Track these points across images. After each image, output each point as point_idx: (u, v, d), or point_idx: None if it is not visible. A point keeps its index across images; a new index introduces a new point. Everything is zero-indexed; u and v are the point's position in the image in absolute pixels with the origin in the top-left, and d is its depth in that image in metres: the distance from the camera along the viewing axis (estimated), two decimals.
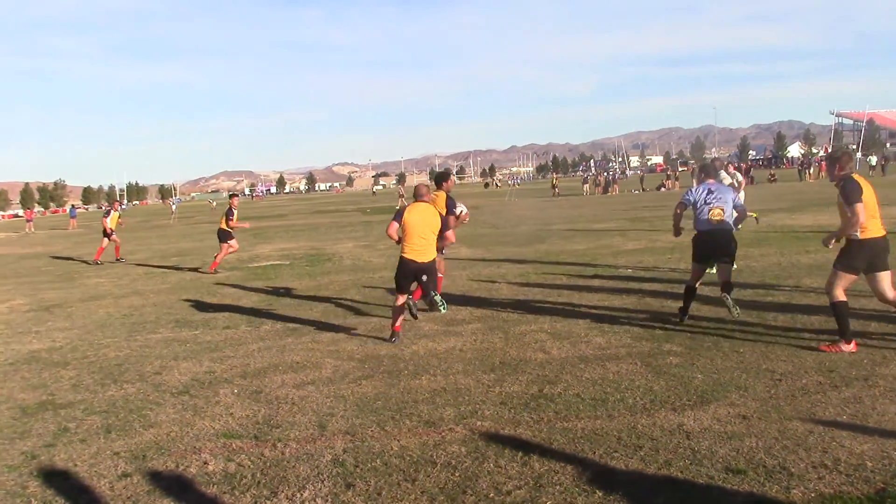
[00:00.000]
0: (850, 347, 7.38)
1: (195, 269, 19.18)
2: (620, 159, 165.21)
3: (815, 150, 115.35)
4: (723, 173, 13.71)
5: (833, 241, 7.64)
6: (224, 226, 18.75)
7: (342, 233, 30.07)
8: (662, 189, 58.88)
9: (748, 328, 8.67)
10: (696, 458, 5.01)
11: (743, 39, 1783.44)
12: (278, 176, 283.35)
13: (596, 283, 12.75)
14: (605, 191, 61.09)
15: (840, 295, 7.41)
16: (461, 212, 10.84)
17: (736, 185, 14.06)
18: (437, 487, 4.82)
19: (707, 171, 10.20)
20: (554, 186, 67.03)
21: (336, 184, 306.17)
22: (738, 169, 20.52)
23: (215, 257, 18.74)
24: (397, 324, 9.14)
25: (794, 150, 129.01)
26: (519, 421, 6.00)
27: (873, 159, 76.22)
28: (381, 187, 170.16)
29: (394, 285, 9.38)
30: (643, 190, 60.78)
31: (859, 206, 7.18)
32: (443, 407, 6.45)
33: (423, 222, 9.07)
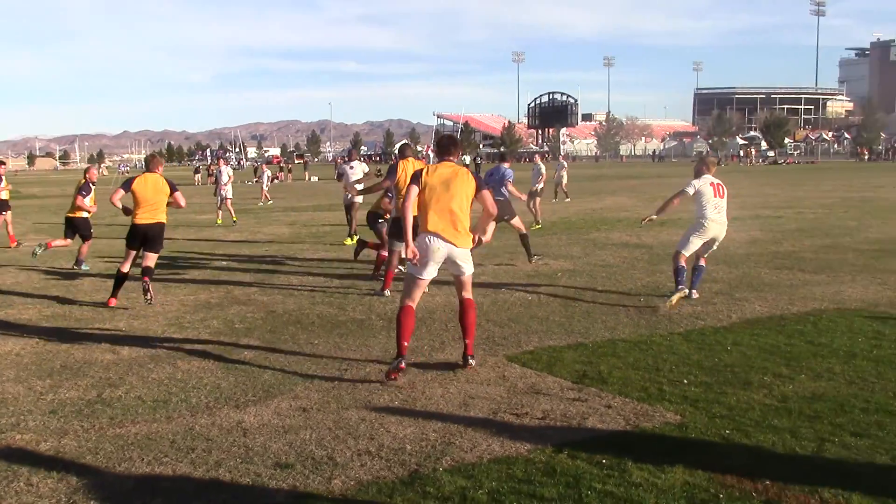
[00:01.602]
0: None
1: None
2: (238, 150, 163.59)
3: (419, 149, 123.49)
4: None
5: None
6: None
7: None
8: (276, 181, 59.13)
9: (326, 319, 8.88)
10: (248, 456, 4.92)
11: (357, 39, 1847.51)
12: None
13: (186, 277, 12.31)
14: (217, 181, 59.82)
15: None
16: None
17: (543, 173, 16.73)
18: None
19: (503, 157, 13.80)
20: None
21: None
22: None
23: None
24: None
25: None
26: (67, 430, 5.49)
27: (467, 158, 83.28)
28: None
29: None
30: (256, 181, 60.48)
31: None
32: None
33: None
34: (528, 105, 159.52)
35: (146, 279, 9.69)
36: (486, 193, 6.84)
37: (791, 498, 4.13)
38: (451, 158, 6.97)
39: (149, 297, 9.64)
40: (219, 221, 22.71)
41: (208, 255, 14.99)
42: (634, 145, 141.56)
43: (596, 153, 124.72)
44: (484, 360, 7.06)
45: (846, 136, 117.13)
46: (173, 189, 10.13)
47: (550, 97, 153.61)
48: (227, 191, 23.47)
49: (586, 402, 5.83)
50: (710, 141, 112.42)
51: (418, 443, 5.08)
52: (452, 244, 6.63)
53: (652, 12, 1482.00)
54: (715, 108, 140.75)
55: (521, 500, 4.19)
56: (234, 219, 22.85)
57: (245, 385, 6.47)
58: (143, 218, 9.96)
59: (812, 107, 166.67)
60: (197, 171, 63.90)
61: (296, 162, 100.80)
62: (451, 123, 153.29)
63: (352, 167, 15.99)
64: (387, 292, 10.23)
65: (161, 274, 11.36)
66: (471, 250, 6.83)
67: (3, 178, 17.37)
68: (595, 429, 5.28)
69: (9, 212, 17.47)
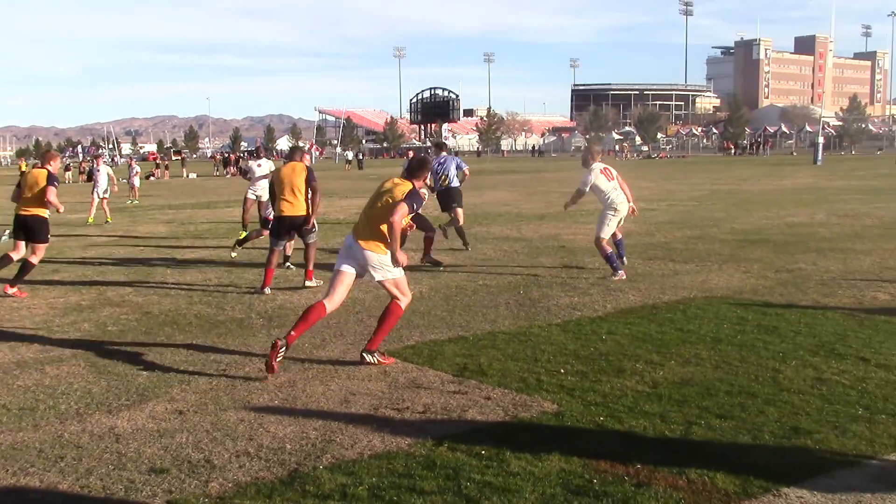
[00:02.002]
0: None
1: None
2: (111, 146, 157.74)
3: (301, 144, 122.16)
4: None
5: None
6: None
7: None
8: (152, 178, 57.39)
9: (204, 319, 8.69)
10: (121, 463, 4.77)
11: (237, 33, 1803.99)
12: None
13: (56, 278, 11.80)
14: (89, 178, 57.65)
15: None
16: None
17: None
18: None
19: (440, 147, 14.19)
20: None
21: None
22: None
23: None
24: None
25: (283, 143, 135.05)
26: None
27: (350, 154, 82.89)
28: None
29: None
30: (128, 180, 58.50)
31: None
32: None
33: None
34: (410, 100, 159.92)
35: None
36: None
37: (660, 479, 4.30)
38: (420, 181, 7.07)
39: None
40: (90, 220, 21.86)
41: (80, 256, 14.41)
42: (515, 140, 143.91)
43: (478, 148, 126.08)
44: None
45: (714, 131, 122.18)
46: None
47: (432, 92, 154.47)
48: (102, 189, 22.67)
49: (466, 394, 5.91)
50: (587, 136, 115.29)
51: (298, 441, 5.03)
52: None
53: (531, 9, 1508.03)
54: (591, 103, 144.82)
55: (402, 495, 4.22)
56: (108, 219, 22.03)
57: (118, 389, 6.26)
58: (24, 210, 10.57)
59: (682, 103, 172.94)
60: (67, 168, 61.27)
61: (173, 158, 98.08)
62: (334, 119, 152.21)
63: (259, 164, 15.99)
64: (267, 290, 10.10)
65: (29, 275, 10.85)
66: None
67: None
68: (475, 420, 5.36)
69: None
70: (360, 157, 76.69)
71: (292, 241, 11.25)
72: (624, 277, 10.38)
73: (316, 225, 10.56)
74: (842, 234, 14.72)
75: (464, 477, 4.39)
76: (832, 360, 6.50)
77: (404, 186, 6.72)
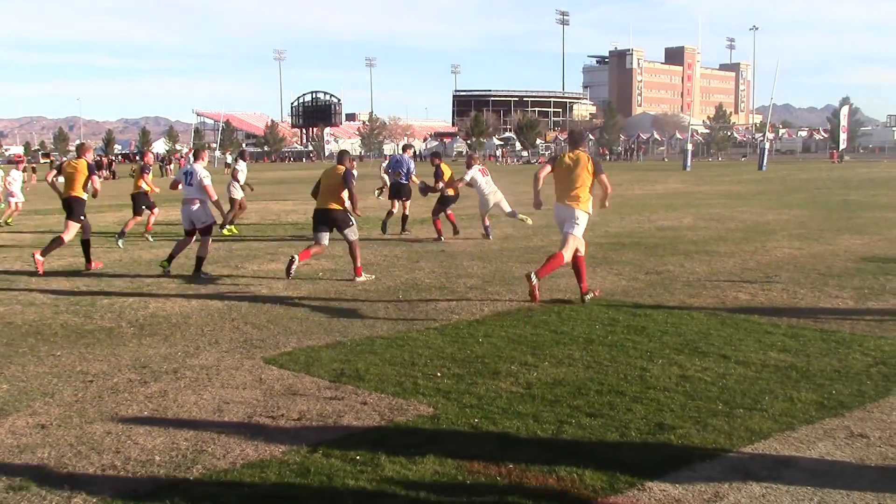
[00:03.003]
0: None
1: None
2: None
3: (178, 147, 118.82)
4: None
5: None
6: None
7: None
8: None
9: (70, 329, 8.36)
10: None
11: (110, 32, 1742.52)
12: None
13: None
14: None
15: None
16: None
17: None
18: None
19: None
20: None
21: None
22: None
23: None
24: None
25: (159, 147, 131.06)
26: None
27: (229, 157, 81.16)
28: None
29: None
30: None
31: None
32: None
33: None
34: (292, 104, 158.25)
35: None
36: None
37: (532, 479, 4.40)
38: (580, 149, 9.49)
39: None
40: None
41: None
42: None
43: (360, 153, 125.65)
44: (240, 363, 6.94)
45: (591, 137, 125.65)
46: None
47: (314, 96, 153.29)
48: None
49: (343, 400, 5.89)
50: (468, 141, 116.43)
51: (168, 453, 4.90)
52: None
53: (412, 15, 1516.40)
54: (472, 109, 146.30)
55: (275, 503, 4.17)
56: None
57: None
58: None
59: (560, 110, 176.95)
60: None
61: (41, 161, 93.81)
62: (212, 122, 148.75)
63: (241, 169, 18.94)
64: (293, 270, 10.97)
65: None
66: None
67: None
68: (350, 426, 5.35)
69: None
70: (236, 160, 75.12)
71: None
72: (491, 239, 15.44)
73: (354, 223, 11.40)
74: (707, 238, 15.39)
75: (338, 483, 4.37)
76: (696, 358, 6.79)
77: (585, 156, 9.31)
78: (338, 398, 5.93)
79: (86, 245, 12.70)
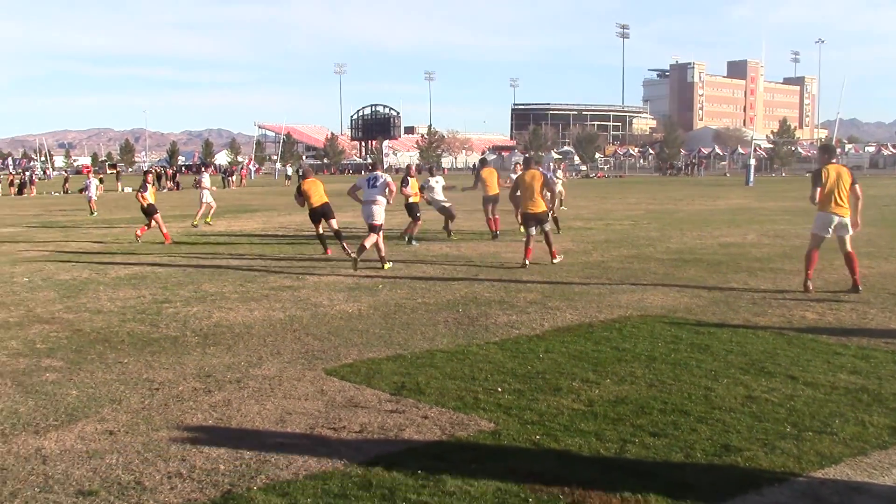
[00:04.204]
0: None
1: None
2: (43, 158, 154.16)
3: (240, 159, 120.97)
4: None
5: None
6: None
7: None
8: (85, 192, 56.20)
9: (137, 337, 8.52)
10: (47, 485, 4.65)
11: (175, 45, 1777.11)
12: None
13: None
14: (20, 192, 56.26)
15: None
16: None
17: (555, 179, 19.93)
18: None
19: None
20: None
21: None
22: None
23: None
24: None
25: (222, 158, 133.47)
26: None
27: (289, 170, 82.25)
28: None
29: None
30: (66, 192, 57.29)
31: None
32: None
33: None
34: (351, 117, 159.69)
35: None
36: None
37: (594, 499, 4.34)
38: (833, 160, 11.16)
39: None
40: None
41: (9, 273, 14.02)
42: (456, 158, 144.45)
43: (418, 165, 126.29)
44: (302, 374, 7.00)
45: (650, 151, 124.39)
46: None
47: (373, 109, 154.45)
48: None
49: (403, 413, 5.89)
50: (526, 155, 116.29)
51: (232, 462, 4.96)
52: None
53: (471, 29, 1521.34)
54: (531, 123, 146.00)
55: None
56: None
57: (46, 409, 6.10)
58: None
59: (620, 123, 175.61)
60: None
61: (108, 172, 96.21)
62: (273, 134, 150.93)
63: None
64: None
65: None
66: None
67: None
68: (411, 440, 5.35)
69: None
70: (301, 173, 76.07)
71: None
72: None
73: (550, 217, 14.44)
74: (772, 254, 15.09)
75: (399, 497, 4.37)
76: (762, 378, 6.65)
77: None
78: (398, 411, 5.94)
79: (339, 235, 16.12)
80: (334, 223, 16.26)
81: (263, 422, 5.77)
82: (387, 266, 13.56)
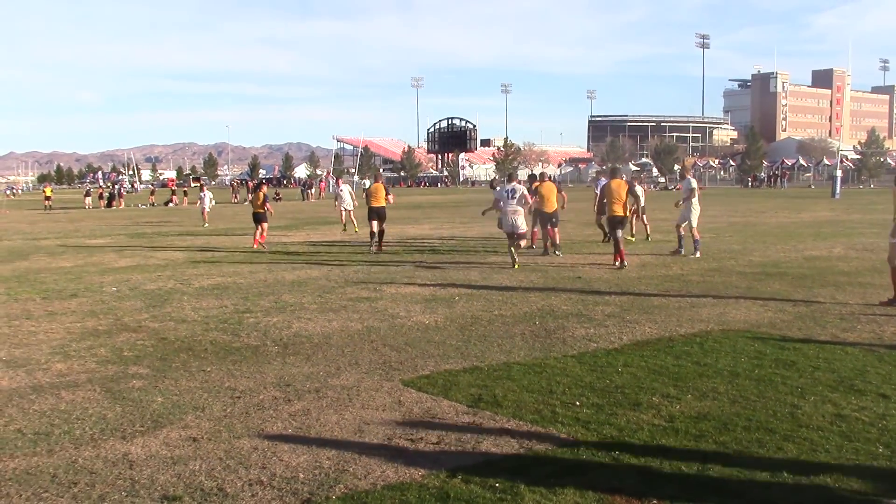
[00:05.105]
0: None
1: None
2: (131, 172, 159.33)
3: (318, 172, 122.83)
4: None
5: None
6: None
7: None
8: (170, 204, 57.85)
9: (219, 346, 8.70)
10: (133, 490, 4.77)
11: (256, 61, 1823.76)
12: None
13: (73, 303, 11.88)
14: (109, 204, 58.18)
15: None
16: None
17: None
18: None
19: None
20: (48, 198, 60.75)
21: None
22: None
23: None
24: None
25: (301, 171, 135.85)
26: None
27: (367, 182, 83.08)
28: None
29: None
30: (152, 205, 59.04)
31: None
32: None
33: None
34: (428, 130, 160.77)
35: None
36: None
37: None
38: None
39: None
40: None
41: (98, 282, 14.49)
42: (532, 170, 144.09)
43: (493, 178, 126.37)
44: (379, 385, 7.04)
45: (731, 163, 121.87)
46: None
47: (449, 122, 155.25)
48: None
49: (481, 425, 5.87)
50: (604, 167, 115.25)
51: (311, 471, 5.01)
52: None
53: (547, 41, 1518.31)
54: (608, 134, 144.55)
55: None
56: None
57: (133, 415, 6.27)
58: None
59: (699, 135, 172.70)
60: (87, 193, 61.68)
61: (192, 185, 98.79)
62: (351, 147, 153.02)
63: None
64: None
65: (46, 301, 10.88)
66: None
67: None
68: (489, 452, 5.32)
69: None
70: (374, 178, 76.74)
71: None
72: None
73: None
74: (860, 269, 14.60)
75: None
76: (851, 397, 6.42)
77: None
78: (476, 423, 5.92)
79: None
80: (383, 224, 19.28)
81: (342, 431, 5.82)
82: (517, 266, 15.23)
